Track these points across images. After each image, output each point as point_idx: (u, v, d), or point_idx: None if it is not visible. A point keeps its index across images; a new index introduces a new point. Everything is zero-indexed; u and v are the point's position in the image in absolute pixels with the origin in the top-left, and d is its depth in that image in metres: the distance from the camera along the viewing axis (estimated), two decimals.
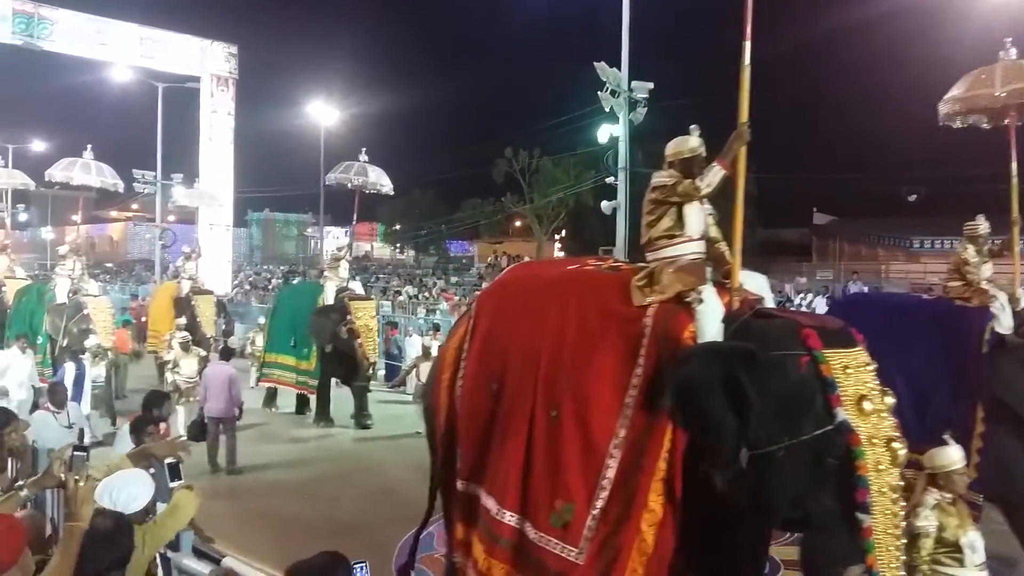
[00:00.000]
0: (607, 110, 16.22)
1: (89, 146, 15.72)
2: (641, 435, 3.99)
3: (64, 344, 12.43)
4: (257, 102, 41.77)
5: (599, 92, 15.97)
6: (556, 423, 4.23)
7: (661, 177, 4.55)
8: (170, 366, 12.16)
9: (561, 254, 47.76)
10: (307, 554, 2.69)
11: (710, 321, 4.08)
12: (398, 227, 52.64)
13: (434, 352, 13.07)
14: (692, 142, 4.64)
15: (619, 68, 16.02)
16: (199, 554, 3.64)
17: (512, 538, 4.33)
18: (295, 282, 34.04)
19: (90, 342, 11.91)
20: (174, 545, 3.54)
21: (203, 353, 12.99)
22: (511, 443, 4.44)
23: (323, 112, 35.46)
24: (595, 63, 15.85)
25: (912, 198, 34.43)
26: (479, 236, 51.38)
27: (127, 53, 24.86)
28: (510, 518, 4.34)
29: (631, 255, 19.77)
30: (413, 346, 16.09)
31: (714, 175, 4.32)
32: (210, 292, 16.80)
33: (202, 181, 25.32)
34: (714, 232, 4.75)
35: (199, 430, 9.89)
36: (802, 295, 21.26)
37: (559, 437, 4.19)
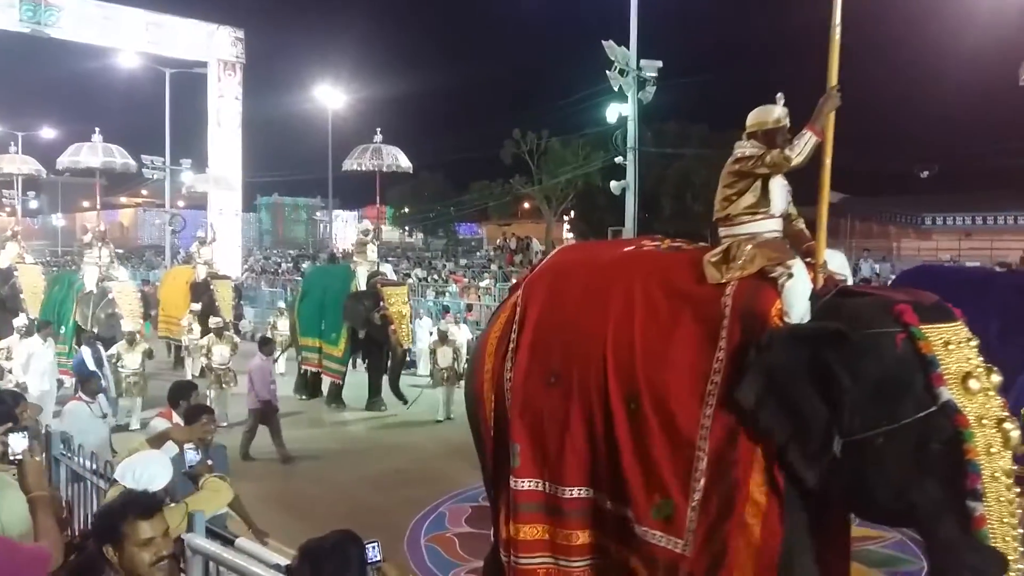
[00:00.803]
0: (616, 89, 16.13)
1: (97, 129, 15.60)
2: (730, 423, 3.73)
3: (94, 332, 12.31)
4: (265, 87, 41.81)
5: (607, 71, 15.88)
6: (637, 416, 4.01)
7: (744, 148, 4.22)
8: (203, 351, 12.14)
9: (570, 235, 47.74)
10: (320, 534, 2.71)
11: (799, 297, 3.79)
12: (407, 210, 52.60)
13: (452, 336, 13.07)
14: (776, 111, 4.28)
15: (628, 47, 15.90)
16: (212, 535, 3.67)
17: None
18: (307, 265, 34.11)
19: (127, 327, 11.83)
20: (188, 526, 3.57)
21: (236, 340, 12.92)
22: (590, 437, 4.22)
23: (330, 95, 35.37)
24: (603, 42, 15.73)
25: (924, 175, 34.14)
26: (488, 218, 51.29)
27: (134, 39, 24.80)
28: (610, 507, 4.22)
29: (640, 235, 19.71)
30: (423, 328, 16.11)
31: (806, 144, 3.97)
32: (227, 277, 16.82)
33: (211, 166, 25.35)
34: (792, 209, 4.41)
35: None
36: None
37: (644, 431, 3.98)
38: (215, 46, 25.58)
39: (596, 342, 4.22)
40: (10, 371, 10.55)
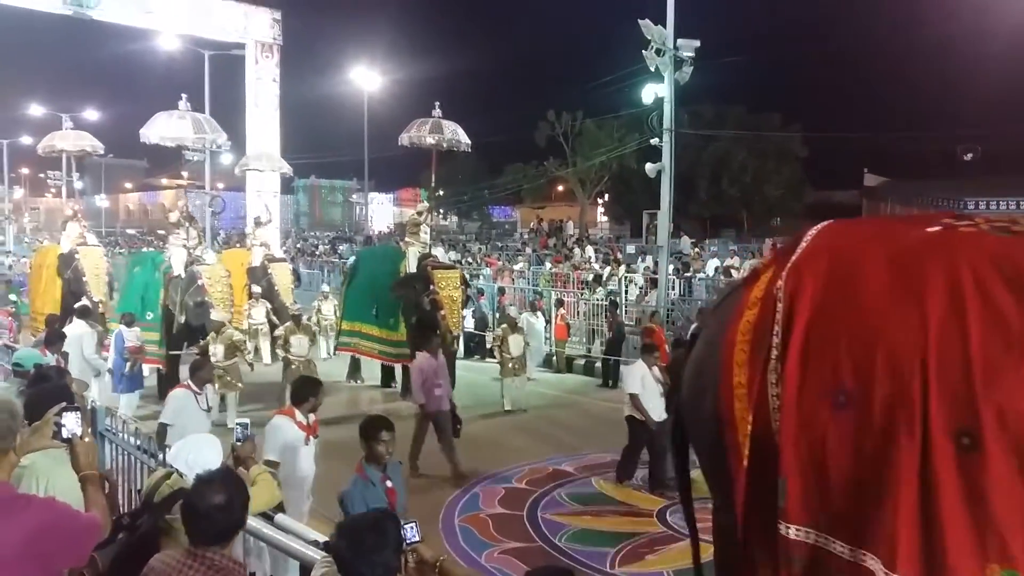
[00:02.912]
0: (652, 69, 15.88)
1: (184, 96, 14.03)
2: None
3: (182, 320, 11.79)
4: (302, 69, 41.97)
5: (644, 51, 15.64)
6: (972, 454, 3.06)
7: None
8: (280, 342, 11.52)
9: (605, 219, 47.49)
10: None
11: None
12: (440, 192, 52.82)
13: (522, 324, 12.68)
14: None
15: (664, 26, 15.66)
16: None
17: None
18: (345, 247, 34.41)
19: (215, 316, 11.13)
20: None
21: (316, 329, 12.17)
22: (893, 479, 3.24)
23: (366, 77, 35.50)
24: (640, 21, 15.51)
25: (968, 157, 33.30)
26: (522, 201, 51.24)
27: (173, 21, 25.04)
28: None
29: (676, 219, 19.52)
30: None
31: None
32: (284, 259, 16.36)
33: (249, 148, 25.58)
34: None
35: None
36: None
37: (980, 474, 3.03)
38: (253, 27, 25.66)
39: (909, 351, 3.21)
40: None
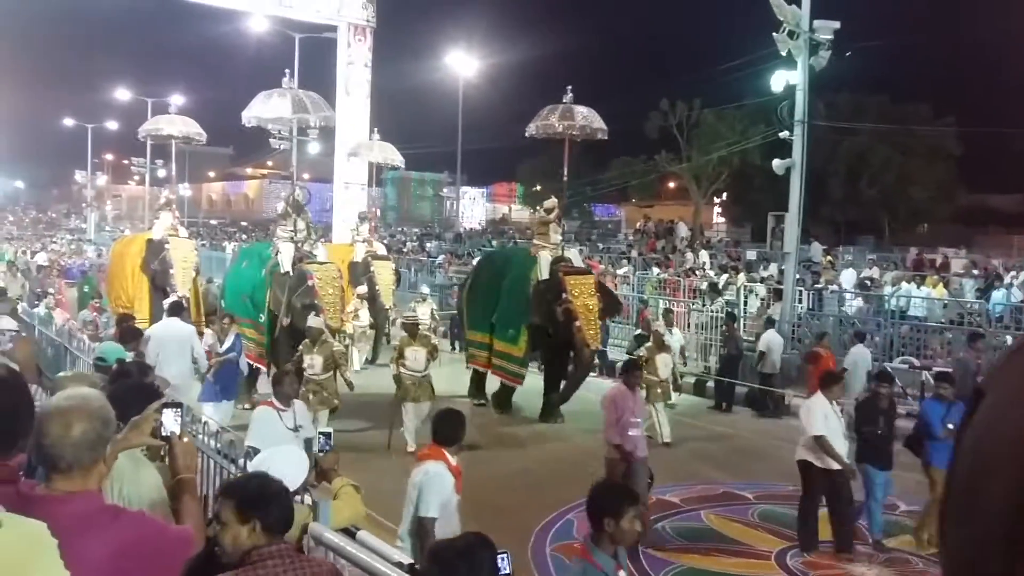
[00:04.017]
0: (783, 54, 15.49)
1: (287, 71, 13.91)
2: None
3: (286, 323, 11.48)
4: (394, 53, 43.06)
5: (774, 33, 15.28)
6: None
7: None
8: (394, 356, 10.82)
9: (721, 220, 46.65)
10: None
11: None
12: (538, 188, 53.03)
13: (668, 339, 12.19)
14: None
15: (799, 5, 15.25)
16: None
17: None
18: (433, 245, 34.97)
19: (312, 322, 10.44)
20: (313, 516, 3.73)
21: (435, 341, 11.66)
22: None
23: (462, 62, 36.03)
24: None
25: None
26: (627, 198, 50.85)
27: (264, 1, 26.08)
28: None
29: (806, 223, 18.94)
30: None
31: None
32: (387, 258, 16.60)
33: (339, 136, 26.34)
34: None
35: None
36: (1013, 273, 19.72)
37: None
38: (345, 9, 26.44)
39: None
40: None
